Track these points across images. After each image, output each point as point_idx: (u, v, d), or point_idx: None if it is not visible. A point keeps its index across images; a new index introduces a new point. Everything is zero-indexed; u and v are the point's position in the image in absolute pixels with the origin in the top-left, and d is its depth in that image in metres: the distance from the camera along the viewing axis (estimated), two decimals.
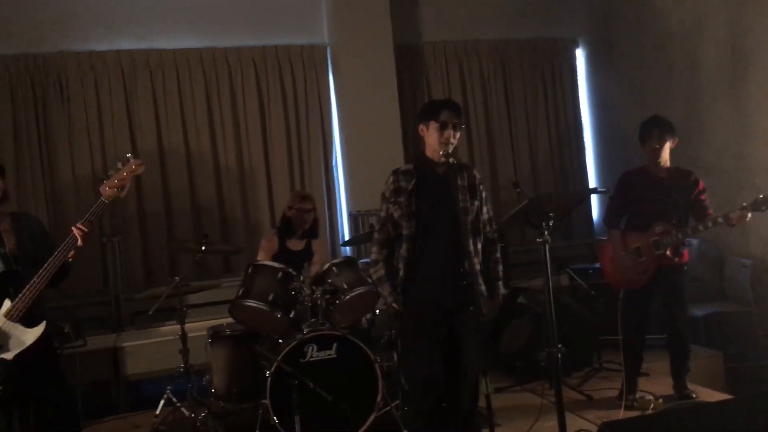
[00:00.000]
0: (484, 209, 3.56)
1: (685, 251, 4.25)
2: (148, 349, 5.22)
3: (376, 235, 3.55)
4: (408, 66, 6.71)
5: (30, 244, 3.37)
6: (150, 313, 4.40)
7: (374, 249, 3.54)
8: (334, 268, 4.20)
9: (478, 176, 3.58)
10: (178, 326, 4.37)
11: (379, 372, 3.95)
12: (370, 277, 4.14)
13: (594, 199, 7.33)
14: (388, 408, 4.08)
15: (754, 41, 5.34)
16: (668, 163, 4.25)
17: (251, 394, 4.12)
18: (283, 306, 4.09)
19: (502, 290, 3.60)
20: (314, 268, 4.66)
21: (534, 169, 7.13)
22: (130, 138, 5.96)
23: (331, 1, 6.26)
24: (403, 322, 3.79)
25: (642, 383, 4.43)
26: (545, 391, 4.59)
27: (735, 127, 5.59)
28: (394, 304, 3.44)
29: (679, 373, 4.30)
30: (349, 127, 6.30)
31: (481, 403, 3.30)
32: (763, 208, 3.84)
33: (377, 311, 4.54)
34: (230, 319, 4.36)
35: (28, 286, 3.14)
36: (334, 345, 3.94)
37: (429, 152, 3.50)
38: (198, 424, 4.19)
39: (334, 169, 6.50)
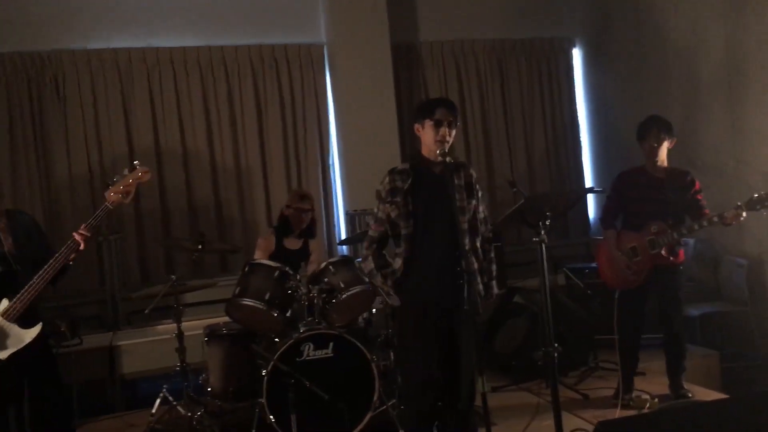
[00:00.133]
0: (480, 208, 3.56)
1: (681, 251, 4.26)
2: (145, 347, 5.21)
3: (369, 232, 3.56)
4: (405, 65, 6.71)
5: (26, 243, 3.36)
6: (146, 311, 4.40)
7: (365, 245, 3.56)
8: (330, 267, 4.20)
9: (474, 175, 3.58)
10: (175, 325, 4.37)
11: (375, 371, 3.95)
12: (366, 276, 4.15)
13: (590, 198, 7.34)
14: (385, 407, 4.07)
15: (752, 42, 5.35)
16: (665, 163, 4.25)
17: (248, 393, 4.12)
18: (280, 305, 4.08)
19: (495, 290, 3.60)
20: (311, 268, 4.65)
21: (530, 168, 7.13)
22: (126, 136, 5.95)
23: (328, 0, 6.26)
24: (400, 321, 3.79)
25: (638, 382, 4.44)
26: (541, 390, 4.61)
27: (731, 127, 5.60)
28: (391, 292, 3.44)
29: (675, 372, 4.31)
30: (346, 126, 6.30)
31: (478, 402, 3.30)
32: (758, 207, 3.85)
33: (374, 310, 4.54)
34: (227, 318, 4.36)
35: (27, 287, 3.14)
36: (331, 344, 3.94)
37: (425, 151, 3.50)
38: (194, 423, 4.18)
39: (331, 168, 6.50)
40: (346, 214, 6.30)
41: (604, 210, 4.52)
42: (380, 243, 3.53)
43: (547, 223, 3.18)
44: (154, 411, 4.38)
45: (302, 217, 4.73)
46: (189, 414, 4.21)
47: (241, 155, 6.24)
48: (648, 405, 4.19)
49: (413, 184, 3.46)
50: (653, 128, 4.21)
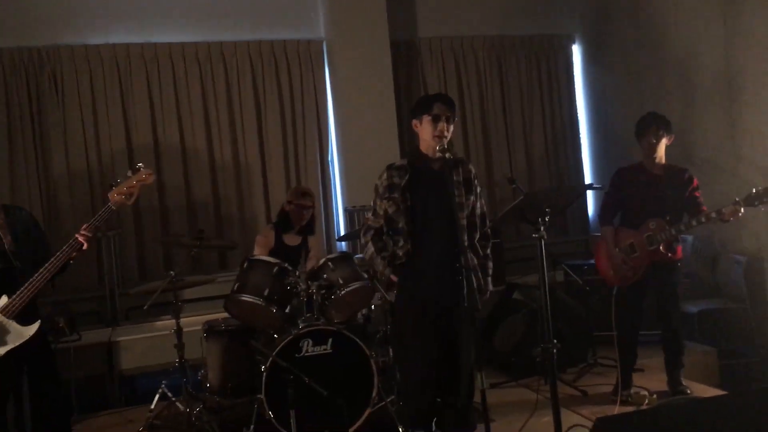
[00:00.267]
0: (478, 204, 3.56)
1: (679, 247, 4.26)
2: (143, 343, 5.22)
3: (368, 223, 3.57)
4: (404, 62, 6.71)
5: (25, 239, 3.36)
6: (145, 307, 4.40)
7: (362, 234, 3.59)
8: (329, 264, 4.20)
9: (473, 171, 3.58)
10: (173, 321, 4.37)
11: (374, 367, 3.95)
12: (368, 271, 4.15)
13: (589, 195, 7.34)
14: (384, 403, 4.08)
15: (750, 38, 5.34)
16: (663, 160, 4.25)
17: (246, 389, 4.12)
18: (279, 301, 4.08)
19: (490, 287, 3.61)
20: (310, 264, 4.65)
21: (529, 165, 7.13)
22: (125, 133, 5.94)
23: None
24: (399, 319, 3.80)
25: (636, 379, 4.44)
26: (540, 386, 4.60)
27: (730, 124, 5.60)
28: (392, 277, 3.44)
29: (673, 368, 4.32)
30: (345, 123, 6.29)
31: (477, 398, 3.30)
32: (756, 203, 3.86)
33: (373, 306, 4.54)
34: (225, 314, 4.36)
35: (27, 284, 3.14)
36: (330, 340, 3.93)
37: (423, 147, 3.50)
38: (193, 418, 4.18)
39: (330, 164, 6.49)
40: (345, 210, 6.30)
41: (602, 207, 4.52)
42: (378, 232, 3.54)
43: (547, 219, 3.18)
44: (152, 407, 4.39)
45: (303, 213, 4.73)
46: (188, 410, 4.22)
47: (239, 152, 6.24)
48: (646, 401, 4.19)
49: (411, 180, 3.46)
50: (652, 125, 4.21)
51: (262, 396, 3.78)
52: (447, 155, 3.30)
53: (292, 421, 3.65)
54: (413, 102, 3.83)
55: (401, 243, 3.45)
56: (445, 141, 3.39)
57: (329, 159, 6.48)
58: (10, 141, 5.67)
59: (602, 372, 4.88)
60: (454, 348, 3.50)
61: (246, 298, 4.07)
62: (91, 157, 5.85)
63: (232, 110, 6.21)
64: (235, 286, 4.16)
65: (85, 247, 3.21)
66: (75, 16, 5.84)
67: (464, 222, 3.42)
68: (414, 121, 3.52)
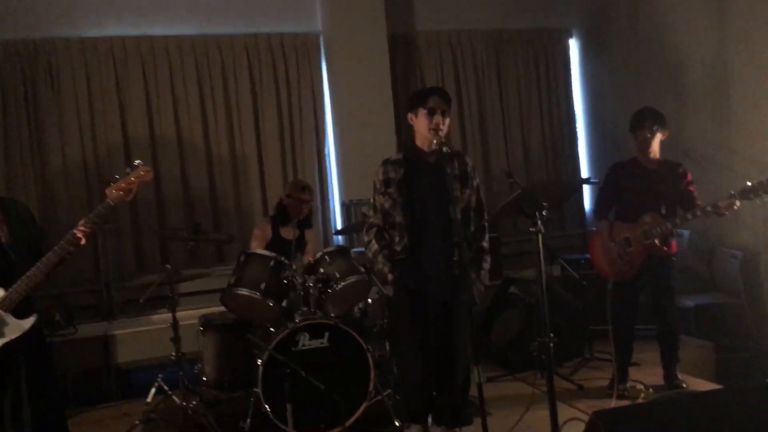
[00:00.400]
0: (474, 197, 3.55)
1: (673, 242, 4.27)
2: (140, 337, 5.21)
3: (370, 221, 3.56)
4: (401, 55, 6.69)
5: (21, 232, 3.35)
6: (141, 301, 4.40)
7: (366, 232, 3.57)
8: (326, 257, 4.19)
9: (469, 163, 3.56)
10: (170, 314, 4.36)
11: (371, 361, 3.95)
12: (364, 265, 4.15)
13: (586, 189, 7.34)
14: (380, 397, 4.08)
15: (746, 34, 5.34)
16: (658, 155, 4.27)
17: (243, 383, 4.12)
18: (276, 295, 4.08)
19: (486, 281, 3.60)
20: (307, 258, 4.64)
21: (527, 159, 7.13)
22: (121, 126, 5.92)
23: None
24: (396, 315, 3.80)
25: (632, 373, 4.46)
26: (537, 380, 4.61)
27: (725, 119, 5.60)
28: (390, 275, 3.43)
29: (669, 363, 4.33)
30: (342, 116, 6.28)
31: (473, 392, 3.31)
32: (752, 195, 3.87)
33: (369, 300, 4.54)
34: (222, 308, 4.35)
35: (24, 278, 3.13)
36: (326, 334, 3.93)
37: (419, 141, 3.50)
38: (189, 412, 4.18)
39: (327, 158, 6.48)
40: (342, 204, 6.29)
41: (596, 201, 4.54)
42: (380, 230, 3.53)
43: (544, 213, 3.18)
44: (149, 400, 4.39)
45: (302, 207, 4.71)
46: (184, 403, 4.21)
47: (236, 145, 6.22)
48: (642, 395, 4.20)
49: (406, 174, 3.45)
50: (647, 120, 4.22)
51: (258, 390, 3.78)
52: (445, 149, 3.29)
53: (288, 414, 3.66)
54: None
55: (398, 239, 3.44)
56: (441, 134, 3.38)
57: (326, 152, 6.47)
58: (6, 133, 5.64)
59: (598, 366, 4.89)
60: (450, 341, 3.50)
61: (243, 291, 4.06)
62: (87, 149, 5.83)
63: (228, 104, 6.19)
64: (232, 280, 4.16)
65: (83, 242, 3.21)
66: (71, 9, 5.81)
67: (459, 215, 3.42)
68: (409, 115, 3.51)
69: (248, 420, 3.87)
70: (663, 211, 4.15)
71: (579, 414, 3.99)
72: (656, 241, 4.13)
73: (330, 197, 6.49)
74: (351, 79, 6.19)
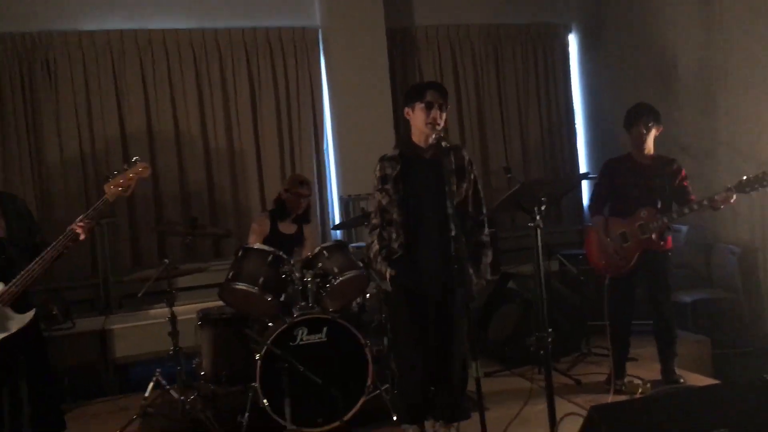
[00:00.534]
0: (471, 191, 3.54)
1: (669, 237, 4.28)
2: (137, 331, 5.21)
3: (372, 221, 3.55)
4: (400, 50, 6.68)
5: (19, 227, 3.34)
6: (139, 295, 4.38)
7: (370, 232, 3.56)
8: (324, 252, 4.19)
9: (466, 157, 3.55)
10: (168, 309, 4.34)
11: (369, 356, 3.95)
12: (362, 260, 4.14)
13: (584, 184, 7.34)
14: (378, 392, 4.08)
15: (740, 29, 5.33)
16: (652, 151, 4.28)
17: (241, 377, 4.11)
18: (274, 289, 4.07)
19: (488, 275, 3.59)
20: (305, 252, 4.63)
21: (525, 154, 7.12)
22: (118, 119, 5.90)
23: None
24: (394, 312, 3.79)
25: (630, 368, 4.46)
26: (534, 375, 4.63)
27: (722, 114, 5.60)
28: (389, 273, 3.43)
29: (666, 358, 4.33)
30: (341, 111, 6.26)
31: (471, 387, 3.31)
32: (748, 189, 3.89)
33: (368, 295, 4.54)
34: (220, 302, 4.35)
35: (23, 272, 3.13)
36: (324, 329, 3.93)
37: (415, 136, 3.48)
38: (187, 407, 4.18)
39: (325, 152, 6.47)
40: (340, 198, 6.28)
41: (591, 197, 4.55)
42: (381, 229, 3.52)
43: (543, 208, 3.17)
44: (147, 395, 4.38)
45: (300, 202, 4.71)
46: (182, 398, 4.21)
47: (234, 139, 6.21)
48: (640, 390, 4.21)
49: (403, 170, 3.44)
50: (642, 116, 4.22)
51: (256, 384, 3.77)
52: (443, 144, 3.28)
53: (286, 409, 3.66)
54: None
55: (395, 236, 3.44)
56: (439, 128, 3.37)
57: (324, 147, 6.45)
58: (3, 127, 5.63)
59: (596, 361, 4.90)
60: (448, 336, 3.50)
61: (241, 286, 4.06)
62: (85, 144, 5.82)
63: (226, 98, 6.17)
64: (230, 274, 4.15)
65: (82, 237, 3.22)
66: (68, 2, 5.79)
67: (454, 210, 3.41)
68: (406, 109, 3.50)
69: (246, 414, 3.86)
70: (659, 206, 4.15)
71: (577, 409, 4.00)
72: (653, 236, 4.14)
73: (328, 192, 6.48)
74: (349, 74, 6.18)
